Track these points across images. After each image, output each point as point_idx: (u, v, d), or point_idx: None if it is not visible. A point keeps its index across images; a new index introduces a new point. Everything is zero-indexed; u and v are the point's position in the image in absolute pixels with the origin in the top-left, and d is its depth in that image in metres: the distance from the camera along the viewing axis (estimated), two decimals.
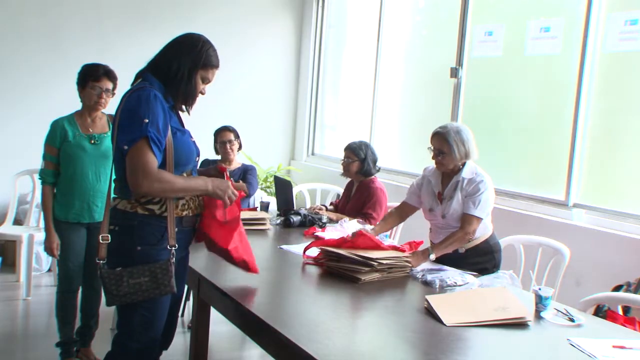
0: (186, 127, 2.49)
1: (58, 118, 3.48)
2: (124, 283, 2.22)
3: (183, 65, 2.35)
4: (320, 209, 4.21)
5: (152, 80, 2.34)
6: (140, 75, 2.40)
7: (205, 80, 2.43)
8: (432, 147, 3.27)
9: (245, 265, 2.57)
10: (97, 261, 2.28)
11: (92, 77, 3.41)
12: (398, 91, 5.99)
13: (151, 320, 2.33)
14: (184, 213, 2.35)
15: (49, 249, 3.45)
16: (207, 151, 4.77)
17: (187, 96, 2.40)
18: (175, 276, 2.36)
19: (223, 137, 4.59)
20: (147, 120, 2.21)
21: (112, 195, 2.37)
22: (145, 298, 2.26)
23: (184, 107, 2.46)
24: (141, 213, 2.27)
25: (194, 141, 2.47)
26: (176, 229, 2.32)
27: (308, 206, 4.83)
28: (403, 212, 3.55)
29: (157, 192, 2.25)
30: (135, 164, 2.20)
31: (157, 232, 2.28)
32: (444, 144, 3.19)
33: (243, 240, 2.57)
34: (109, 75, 3.45)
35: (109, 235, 2.28)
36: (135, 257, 2.26)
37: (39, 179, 3.50)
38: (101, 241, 2.30)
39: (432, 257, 3.06)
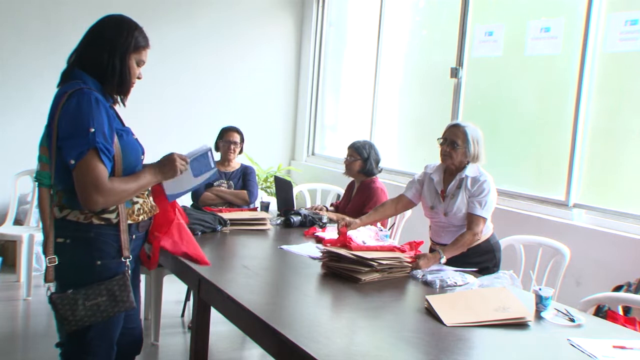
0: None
1: None
2: (80, 307, 2.06)
3: (113, 55, 2.19)
4: (320, 209, 4.21)
5: (85, 78, 2.17)
6: (67, 74, 2.22)
7: (140, 63, 2.28)
8: (443, 138, 3.26)
9: (190, 258, 2.48)
10: (45, 284, 2.12)
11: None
12: (398, 91, 5.99)
13: (105, 331, 2.19)
14: (140, 217, 2.25)
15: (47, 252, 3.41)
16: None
17: (123, 87, 2.25)
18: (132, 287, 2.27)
19: (229, 137, 4.57)
20: (92, 130, 2.04)
21: (56, 204, 2.20)
22: (104, 318, 2.12)
23: (124, 100, 2.32)
24: (97, 223, 2.13)
25: (136, 139, 2.32)
26: (133, 236, 2.22)
27: (308, 206, 4.82)
28: (399, 204, 3.55)
29: (113, 204, 2.13)
30: (85, 180, 2.05)
31: (113, 242, 2.15)
32: (461, 137, 3.20)
33: (183, 234, 2.42)
34: None
35: (59, 250, 2.14)
36: (95, 273, 2.11)
37: (35, 181, 3.41)
38: (48, 264, 2.14)
39: (443, 260, 3.04)
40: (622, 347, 2.09)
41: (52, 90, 2.29)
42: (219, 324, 3.54)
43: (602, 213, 3.95)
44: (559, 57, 4.32)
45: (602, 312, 3.01)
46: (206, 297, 2.79)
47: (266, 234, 3.72)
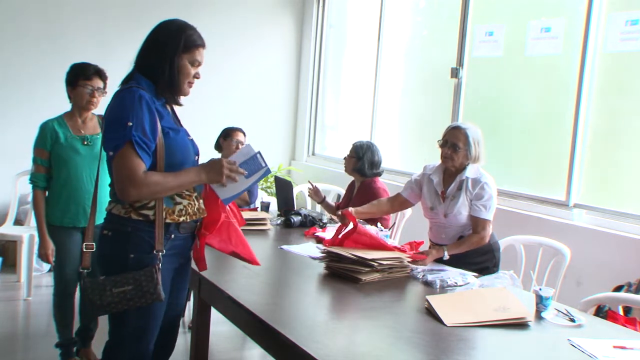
0: (185, 126, 2.43)
1: (47, 120, 3.38)
2: (107, 292, 2.13)
3: (161, 57, 2.25)
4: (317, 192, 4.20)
5: (140, 79, 2.25)
6: (128, 77, 2.31)
7: (195, 63, 2.30)
8: (443, 140, 3.26)
9: (240, 257, 2.48)
10: (81, 270, 2.21)
11: (83, 76, 3.32)
12: (398, 91, 5.99)
13: (143, 330, 2.24)
14: (181, 219, 2.25)
15: (43, 255, 3.37)
16: (206, 152, 4.78)
17: (174, 87, 2.28)
18: (175, 286, 2.32)
19: (236, 136, 4.55)
20: (130, 124, 2.11)
21: (108, 198, 2.28)
22: (130, 307, 2.16)
23: (177, 99, 2.37)
24: (135, 219, 2.19)
25: (191, 140, 2.38)
26: (172, 236, 2.24)
27: (309, 207, 4.82)
28: (395, 202, 3.57)
29: (148, 197, 2.17)
30: (120, 171, 2.12)
31: (149, 238, 2.19)
32: (462, 139, 3.20)
33: (232, 233, 2.43)
34: (100, 74, 3.37)
35: (101, 241, 2.22)
36: (127, 265, 2.17)
37: (30, 183, 3.37)
38: (85, 250, 2.24)
39: (446, 256, 3.11)
40: (623, 348, 2.09)
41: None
42: (219, 324, 3.54)
43: (602, 213, 3.95)
44: (559, 57, 4.32)
45: (602, 312, 3.00)
46: (206, 297, 2.79)
47: (266, 234, 3.72)
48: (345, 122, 6.84)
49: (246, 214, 3.89)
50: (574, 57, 4.14)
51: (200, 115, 6.37)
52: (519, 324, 2.27)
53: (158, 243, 2.19)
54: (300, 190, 5.44)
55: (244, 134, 4.59)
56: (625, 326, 2.56)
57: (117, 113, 2.16)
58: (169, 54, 2.25)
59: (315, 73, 6.95)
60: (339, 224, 3.32)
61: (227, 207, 2.40)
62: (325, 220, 3.94)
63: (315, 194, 4.16)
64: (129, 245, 2.19)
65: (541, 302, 2.43)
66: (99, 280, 2.16)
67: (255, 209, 4.26)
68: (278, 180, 4.58)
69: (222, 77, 6.57)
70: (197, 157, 2.38)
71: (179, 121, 2.42)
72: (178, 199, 2.26)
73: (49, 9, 5.81)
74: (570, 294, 3.33)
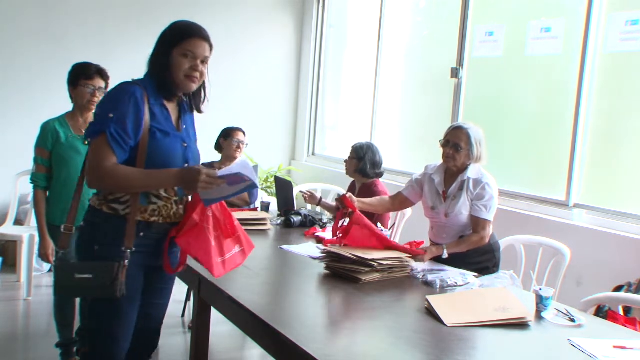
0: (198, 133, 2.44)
1: (48, 120, 3.38)
2: (71, 276, 2.18)
3: (159, 52, 2.27)
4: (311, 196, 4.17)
5: (146, 78, 2.29)
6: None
7: (188, 54, 2.25)
8: (445, 140, 3.26)
9: (201, 264, 2.41)
10: (56, 250, 2.29)
11: (85, 75, 3.31)
12: (399, 91, 5.99)
13: (112, 327, 2.26)
14: (152, 219, 2.25)
15: (44, 255, 3.36)
16: (206, 152, 4.77)
17: (168, 80, 2.27)
18: (154, 293, 2.36)
19: (237, 136, 4.55)
20: (111, 115, 2.14)
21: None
22: (90, 296, 2.23)
23: (189, 102, 2.40)
24: (105, 211, 2.21)
25: (187, 147, 2.35)
26: (142, 234, 2.24)
27: (309, 207, 4.82)
28: (396, 201, 3.58)
29: (112, 188, 2.20)
30: (90, 159, 2.18)
31: (114, 232, 2.19)
32: (464, 139, 3.20)
33: (201, 239, 2.36)
34: (101, 73, 3.36)
35: (78, 230, 2.28)
36: (92, 256, 2.21)
37: (30, 182, 3.36)
38: (63, 230, 2.31)
39: (445, 254, 3.12)
40: (623, 347, 2.09)
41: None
42: (219, 324, 3.54)
43: (602, 213, 3.95)
44: (559, 57, 4.33)
45: (602, 312, 3.01)
46: (206, 297, 2.79)
47: (266, 234, 3.72)
48: (346, 122, 6.84)
49: (246, 214, 3.90)
50: (574, 57, 4.14)
51: (200, 115, 6.38)
52: (519, 324, 2.27)
53: (127, 239, 2.19)
54: (300, 190, 5.43)
55: (244, 133, 4.59)
56: (626, 326, 2.56)
57: (104, 104, 2.23)
58: (162, 49, 2.27)
59: (315, 73, 6.95)
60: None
61: (210, 215, 2.37)
62: (325, 220, 3.94)
63: (311, 198, 4.14)
64: (94, 237, 2.23)
65: (541, 302, 2.43)
66: (68, 262, 2.22)
67: (255, 209, 4.26)
68: (278, 181, 4.57)
69: (222, 77, 6.56)
70: (187, 164, 2.32)
71: (189, 126, 2.42)
72: (154, 199, 2.26)
73: (50, 9, 5.81)
74: (571, 294, 3.33)
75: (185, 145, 2.35)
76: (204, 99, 2.45)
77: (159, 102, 2.28)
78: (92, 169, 2.18)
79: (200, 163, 2.39)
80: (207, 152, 4.69)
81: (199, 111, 2.45)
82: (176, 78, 2.27)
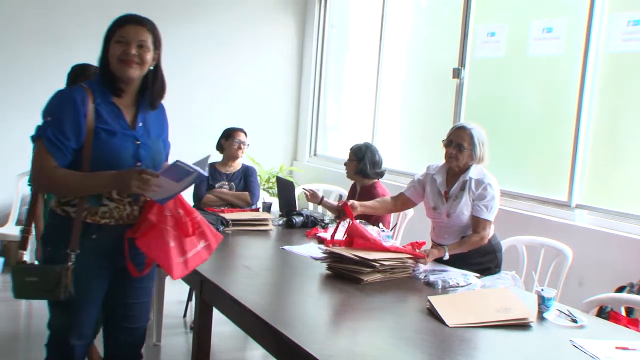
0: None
1: None
2: (21, 279, 2.22)
3: (102, 48, 2.29)
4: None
5: (95, 78, 2.31)
6: None
7: (122, 40, 2.25)
8: (448, 140, 3.26)
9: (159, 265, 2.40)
10: (18, 251, 2.35)
11: (84, 76, 3.22)
12: (400, 92, 5.99)
13: (65, 328, 2.32)
14: (103, 221, 2.25)
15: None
16: (209, 152, 4.76)
17: (106, 71, 2.27)
18: (123, 288, 2.37)
19: (238, 136, 4.54)
20: (49, 119, 2.18)
21: None
22: (37, 298, 2.32)
23: (150, 97, 2.37)
24: (58, 213, 2.25)
25: (139, 144, 2.31)
26: (94, 236, 2.25)
27: (310, 207, 4.81)
28: (398, 201, 3.58)
29: (50, 191, 2.25)
30: (32, 163, 2.22)
31: (63, 234, 2.21)
32: (468, 139, 3.20)
33: (160, 240, 2.32)
34: None
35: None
36: (45, 257, 2.26)
37: (28, 184, 3.32)
38: (20, 232, 2.38)
39: (447, 256, 3.11)
40: (625, 348, 2.09)
41: (54, 91, 2.30)
42: (221, 325, 3.54)
43: (604, 214, 3.95)
44: (561, 58, 4.32)
45: (604, 313, 3.00)
46: (208, 297, 2.79)
47: (268, 234, 3.71)
48: (347, 122, 6.84)
49: (248, 215, 3.90)
50: (575, 58, 4.14)
51: (202, 116, 6.38)
52: (521, 325, 2.27)
53: (72, 241, 2.20)
54: (302, 190, 5.43)
55: (245, 133, 4.59)
56: (628, 327, 2.55)
57: (43, 110, 2.24)
58: (103, 45, 2.30)
59: (317, 73, 6.94)
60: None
61: (169, 215, 2.33)
62: (327, 221, 3.94)
63: (312, 197, 4.14)
64: (47, 238, 2.29)
65: (543, 302, 2.43)
66: (21, 265, 2.26)
67: (257, 210, 4.26)
68: (280, 181, 4.57)
69: (224, 78, 6.57)
70: (139, 163, 2.29)
71: (150, 124, 2.38)
72: (105, 201, 2.26)
73: (50, 10, 5.81)
74: (572, 295, 3.33)
75: (139, 143, 2.31)
76: (159, 92, 2.41)
77: (107, 100, 2.27)
78: (33, 173, 2.22)
79: (177, 160, 2.32)
80: (210, 152, 4.69)
81: (153, 107, 2.40)
82: (112, 66, 2.26)
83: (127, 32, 2.27)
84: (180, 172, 2.19)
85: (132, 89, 2.34)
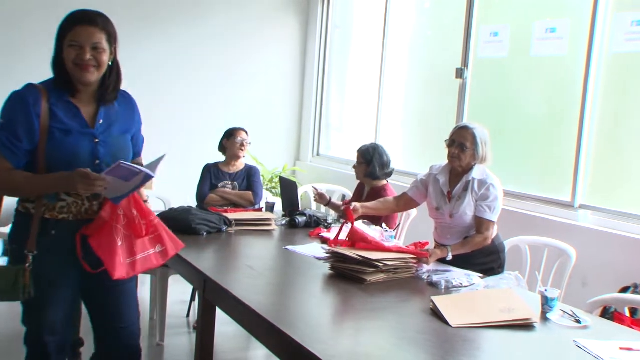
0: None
1: None
2: None
3: (55, 47, 2.25)
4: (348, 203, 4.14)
5: (52, 77, 2.28)
6: None
7: (74, 44, 2.19)
8: (451, 140, 3.26)
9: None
10: None
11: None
12: (403, 92, 5.98)
13: (36, 327, 2.39)
14: (61, 216, 2.24)
15: None
16: (211, 152, 4.78)
17: (61, 75, 2.24)
18: (101, 286, 2.32)
19: (240, 135, 4.55)
20: (2, 122, 2.18)
21: None
22: (4, 300, 2.27)
23: (105, 94, 2.30)
24: (20, 211, 2.26)
25: (98, 142, 2.26)
26: (53, 232, 2.23)
27: (314, 207, 4.81)
28: (401, 201, 3.58)
29: (6, 193, 2.23)
30: None
31: (24, 231, 2.21)
32: (470, 139, 3.20)
33: (109, 239, 2.27)
34: None
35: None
36: (11, 257, 2.27)
37: None
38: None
39: (450, 256, 3.10)
40: (629, 349, 2.08)
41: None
42: (224, 325, 3.54)
43: (608, 214, 3.94)
44: (564, 58, 4.31)
45: (608, 313, 2.99)
46: (211, 297, 2.79)
47: (271, 234, 3.71)
48: (350, 122, 6.84)
49: (251, 215, 3.90)
50: (579, 58, 4.13)
51: (204, 116, 6.39)
52: (525, 325, 2.27)
53: (30, 238, 2.19)
54: (305, 190, 5.44)
55: (246, 132, 4.59)
56: (632, 327, 2.55)
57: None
58: (56, 44, 2.25)
59: (320, 73, 6.94)
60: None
61: (122, 214, 2.29)
62: (330, 221, 3.94)
63: (320, 198, 4.13)
64: (12, 236, 2.29)
65: (547, 303, 2.42)
66: None
67: (260, 210, 4.26)
68: (283, 181, 4.57)
69: (227, 78, 6.58)
70: (97, 161, 2.25)
71: (114, 121, 2.33)
72: (63, 196, 2.24)
73: (53, 11, 5.81)
74: (576, 295, 3.33)
75: (97, 141, 2.27)
76: (113, 86, 2.33)
77: (63, 99, 2.24)
78: None
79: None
80: (213, 153, 4.71)
81: (105, 101, 2.32)
82: (69, 70, 2.22)
83: (79, 35, 2.20)
84: (126, 172, 2.16)
85: (91, 87, 2.29)
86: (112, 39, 2.29)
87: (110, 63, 2.29)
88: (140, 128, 2.50)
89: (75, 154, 2.22)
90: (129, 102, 2.45)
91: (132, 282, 2.48)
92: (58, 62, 2.24)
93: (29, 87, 2.23)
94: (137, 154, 2.51)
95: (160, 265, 2.43)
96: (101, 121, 2.30)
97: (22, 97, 2.19)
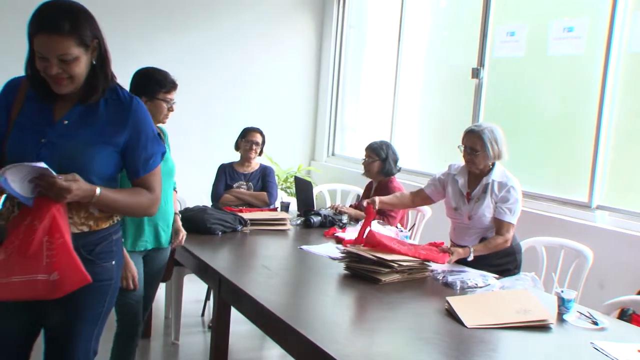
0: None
1: None
2: None
3: (27, 47, 1.94)
4: (340, 209, 4.16)
5: None
6: None
7: (39, 54, 1.88)
8: (463, 146, 3.25)
9: None
10: None
11: (144, 86, 3.03)
12: (419, 92, 5.97)
13: None
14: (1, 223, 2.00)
15: (125, 279, 2.67)
16: (227, 152, 4.80)
17: (38, 76, 1.94)
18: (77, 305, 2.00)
19: (252, 137, 4.55)
20: None
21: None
22: None
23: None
24: None
25: (44, 142, 1.96)
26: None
27: (328, 206, 4.81)
28: (417, 197, 3.59)
29: None
30: None
31: None
32: (478, 142, 3.19)
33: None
34: None
35: None
36: None
37: None
38: None
39: (471, 257, 3.11)
40: None
41: None
42: (239, 324, 3.55)
43: (625, 215, 3.90)
44: (582, 58, 4.27)
45: (626, 315, 2.97)
46: (226, 296, 2.80)
47: (286, 234, 3.72)
48: (365, 122, 6.83)
49: (266, 214, 3.91)
50: (597, 57, 4.09)
51: (219, 116, 6.41)
52: (541, 327, 2.25)
53: None
54: (320, 190, 5.44)
55: (261, 134, 4.59)
56: None
57: None
58: (29, 44, 1.94)
59: (335, 73, 6.94)
60: (360, 223, 3.34)
61: (25, 223, 1.89)
62: (344, 221, 3.94)
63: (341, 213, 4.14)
64: None
65: (563, 304, 2.41)
66: None
67: (275, 209, 4.27)
68: (298, 181, 4.58)
69: (243, 78, 6.60)
70: (41, 162, 1.87)
71: (86, 121, 2.00)
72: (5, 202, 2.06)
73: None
74: (593, 297, 3.30)
75: (43, 141, 1.96)
76: (97, 88, 2.00)
77: (40, 94, 2.01)
78: None
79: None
80: (228, 153, 4.73)
81: (82, 101, 2.00)
82: (45, 78, 1.95)
83: (42, 45, 1.87)
84: (28, 169, 1.89)
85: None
86: (88, 37, 1.94)
87: (94, 61, 1.99)
88: (142, 142, 2.06)
89: (20, 152, 1.94)
90: (124, 109, 2.05)
91: (88, 310, 2.06)
92: (29, 63, 1.97)
93: (13, 79, 2.06)
94: (134, 173, 2.08)
95: (49, 299, 1.91)
96: (66, 122, 1.99)
97: (5, 86, 2.05)
